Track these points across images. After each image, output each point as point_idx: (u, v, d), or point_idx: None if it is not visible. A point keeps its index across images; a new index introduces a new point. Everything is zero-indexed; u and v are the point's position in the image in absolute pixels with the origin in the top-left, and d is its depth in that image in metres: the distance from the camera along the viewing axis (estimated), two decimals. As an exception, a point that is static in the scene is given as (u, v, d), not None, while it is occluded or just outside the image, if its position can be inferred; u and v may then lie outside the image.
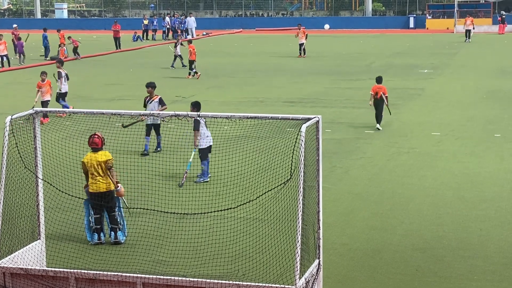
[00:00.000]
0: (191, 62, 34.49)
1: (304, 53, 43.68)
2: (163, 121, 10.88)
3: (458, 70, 35.93)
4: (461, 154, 18.13)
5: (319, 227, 10.26)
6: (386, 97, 21.34)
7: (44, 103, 22.95)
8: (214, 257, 11.20)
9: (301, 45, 43.77)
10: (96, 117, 11.41)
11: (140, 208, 12.62)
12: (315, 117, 9.78)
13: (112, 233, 12.29)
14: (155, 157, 16.32)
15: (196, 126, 15.32)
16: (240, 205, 11.93)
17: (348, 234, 12.51)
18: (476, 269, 10.97)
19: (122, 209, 12.50)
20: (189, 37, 61.48)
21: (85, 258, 11.22)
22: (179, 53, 38.34)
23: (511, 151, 18.36)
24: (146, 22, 61.60)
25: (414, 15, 71.49)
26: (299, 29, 44.41)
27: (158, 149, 17.92)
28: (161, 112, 10.45)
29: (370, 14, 73.63)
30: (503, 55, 42.65)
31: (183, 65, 37.75)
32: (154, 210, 12.25)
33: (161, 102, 17.86)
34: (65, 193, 11.35)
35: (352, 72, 35.50)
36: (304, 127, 9.38)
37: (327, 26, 70.74)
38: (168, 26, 61.82)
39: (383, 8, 76.32)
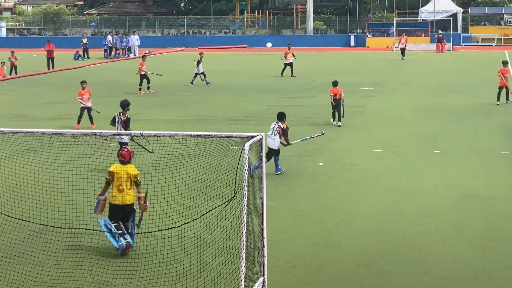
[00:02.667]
0: (142, 78, 35.04)
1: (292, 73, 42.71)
2: (105, 140, 10.76)
3: (398, 87, 36.50)
4: (403, 171, 18.39)
5: (264, 244, 10.28)
6: (343, 97, 24.85)
7: (88, 109, 24.83)
8: (158, 276, 11.11)
9: (289, 64, 42.55)
10: (36, 137, 11.26)
11: (81, 228, 12.47)
12: (258, 135, 9.83)
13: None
14: (99, 176, 16.13)
15: (285, 132, 17.96)
16: (184, 223, 11.89)
17: (292, 251, 12.55)
18: (418, 284, 11.10)
19: (135, 219, 12.49)
20: (132, 55, 61.23)
21: (25, 281, 11.01)
22: (202, 71, 38.42)
23: (451, 166, 18.70)
24: (85, 40, 61.04)
25: (355, 34, 72.63)
26: (289, 49, 43.23)
27: None
28: (103, 131, 10.35)
29: (312, 33, 74.46)
30: (441, 73, 43.52)
31: (207, 83, 38.36)
32: (96, 230, 12.13)
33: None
34: (4, 215, 11.15)
35: (295, 90, 35.76)
36: (247, 145, 9.42)
37: (269, 45, 71.24)
38: (110, 45, 61.44)
39: (324, 26, 77.26)
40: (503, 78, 29.78)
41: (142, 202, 12.16)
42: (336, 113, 25.02)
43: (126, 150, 12.26)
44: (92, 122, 24.82)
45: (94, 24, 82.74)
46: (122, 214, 12.18)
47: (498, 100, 29.65)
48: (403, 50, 53.42)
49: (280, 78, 41.97)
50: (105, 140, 10.70)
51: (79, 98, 24.97)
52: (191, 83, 38.38)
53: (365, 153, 20.49)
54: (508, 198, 15.73)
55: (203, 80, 38.49)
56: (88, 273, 11.29)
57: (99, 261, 11.78)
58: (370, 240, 13.11)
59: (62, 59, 55.93)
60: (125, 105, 18.86)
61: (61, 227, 12.47)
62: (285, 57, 42.95)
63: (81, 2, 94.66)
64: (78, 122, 24.95)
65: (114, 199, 12.07)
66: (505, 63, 30.78)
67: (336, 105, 24.92)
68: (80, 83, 25.54)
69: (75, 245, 12.45)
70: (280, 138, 18.04)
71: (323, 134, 19.67)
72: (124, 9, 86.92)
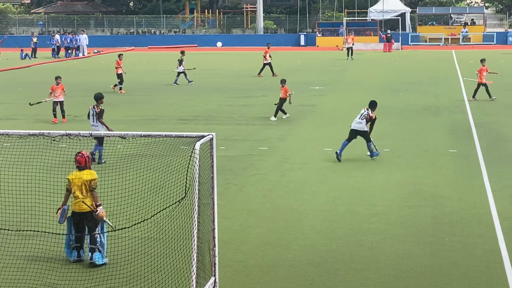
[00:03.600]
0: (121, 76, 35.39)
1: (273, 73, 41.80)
2: (53, 140, 10.62)
3: (348, 87, 36.79)
4: (352, 169, 18.54)
5: (215, 244, 10.27)
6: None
7: (60, 103, 26.10)
8: (108, 278, 11.01)
9: (268, 64, 41.80)
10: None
11: (29, 230, 12.28)
12: (209, 135, 9.81)
13: (90, 253, 11.81)
14: (47, 177, 15.93)
15: (373, 122, 19.43)
16: (135, 224, 11.81)
17: (243, 251, 12.56)
18: (369, 281, 11.21)
19: (105, 230, 12.01)
20: (81, 54, 60.57)
21: (-27, 284, 10.81)
22: (183, 70, 38.35)
23: (400, 165, 18.92)
24: (35, 40, 60.20)
25: (305, 33, 72.95)
26: (268, 48, 42.65)
27: (103, 161, 18.67)
28: (51, 131, 10.21)
29: (262, 32, 74.61)
30: (390, 72, 43.98)
31: (189, 81, 38.41)
32: (45, 232, 11.95)
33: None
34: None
35: (245, 89, 35.80)
36: (198, 145, 9.39)
37: (219, 44, 71.15)
38: (58, 44, 60.64)
39: (275, 26, 77.49)
40: (480, 75, 30.56)
41: (94, 211, 11.73)
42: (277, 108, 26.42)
43: (81, 155, 11.84)
44: (64, 116, 26.28)
45: (41, 23, 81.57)
46: (84, 223, 11.78)
47: (474, 96, 30.72)
48: (350, 50, 53.59)
49: (230, 77, 41.91)
50: (53, 140, 10.55)
51: (51, 92, 26.07)
52: (189, 82, 38.43)
53: (315, 152, 20.61)
54: (456, 195, 15.98)
55: (182, 79, 38.56)
56: (36, 275, 11.14)
57: (47, 264, 11.63)
58: (321, 238, 13.19)
59: (8, 58, 55.09)
60: (98, 98, 19.52)
61: (8, 229, 12.26)
62: (264, 57, 42.27)
63: (28, 1, 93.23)
64: (54, 116, 26.05)
65: (72, 206, 11.79)
66: (482, 60, 31.27)
67: (284, 101, 26.29)
68: (55, 78, 26.46)
69: (23, 248, 12.24)
70: (366, 124, 19.32)
71: None
72: (72, 8, 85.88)
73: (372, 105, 19.69)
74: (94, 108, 19.33)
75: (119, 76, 35.36)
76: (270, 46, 43.65)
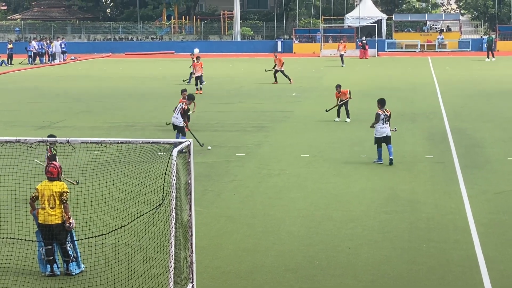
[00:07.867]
0: (196, 78, 36.88)
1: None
2: (30, 147, 10.59)
3: (325, 93, 36.81)
4: (329, 175, 18.61)
5: (192, 251, 10.27)
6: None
7: (199, 78, 33.66)
8: (85, 285, 10.96)
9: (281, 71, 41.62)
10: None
11: (5, 238, 12.19)
12: (186, 141, 9.83)
13: (64, 264, 11.66)
14: (23, 184, 15.82)
15: (377, 118, 20.11)
16: (112, 231, 11.78)
17: (221, 257, 12.55)
18: (346, 287, 11.25)
19: (76, 241, 11.84)
20: (57, 61, 60.23)
21: None
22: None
23: (376, 171, 19.01)
24: (10, 46, 59.82)
25: (282, 40, 73.11)
26: (276, 57, 42.37)
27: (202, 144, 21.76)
28: (28, 138, 10.17)
29: (239, 38, 74.69)
30: (366, 79, 44.13)
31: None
32: (21, 239, 11.87)
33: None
34: None
35: (223, 96, 35.79)
36: (175, 151, 9.41)
37: (196, 50, 71.00)
38: (34, 51, 60.28)
39: (252, 32, 77.61)
40: None
41: (67, 223, 11.55)
42: None
43: (53, 166, 11.67)
44: (199, 89, 33.58)
45: (18, 29, 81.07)
46: (52, 236, 11.55)
47: None
48: (342, 57, 53.72)
49: (207, 84, 41.86)
50: (30, 147, 10.51)
51: (192, 70, 32.82)
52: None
53: (292, 158, 20.66)
54: (432, 201, 16.09)
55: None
56: (12, 284, 11.06)
57: (23, 271, 11.55)
58: (298, 244, 13.22)
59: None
60: (190, 98, 22.72)
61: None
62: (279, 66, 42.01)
63: (5, 7, 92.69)
64: (196, 89, 31.72)
65: (39, 217, 11.59)
66: None
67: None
68: (191, 54, 34.66)
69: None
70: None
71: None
72: (49, 14, 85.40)
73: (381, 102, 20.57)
74: (182, 104, 21.89)
75: (197, 78, 36.74)
76: (277, 54, 44.40)
